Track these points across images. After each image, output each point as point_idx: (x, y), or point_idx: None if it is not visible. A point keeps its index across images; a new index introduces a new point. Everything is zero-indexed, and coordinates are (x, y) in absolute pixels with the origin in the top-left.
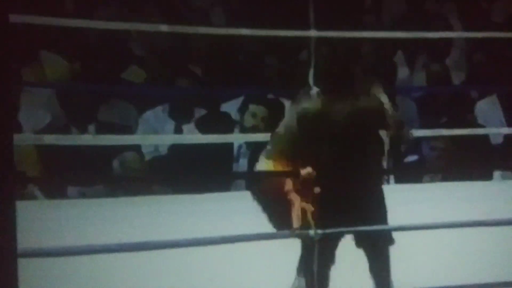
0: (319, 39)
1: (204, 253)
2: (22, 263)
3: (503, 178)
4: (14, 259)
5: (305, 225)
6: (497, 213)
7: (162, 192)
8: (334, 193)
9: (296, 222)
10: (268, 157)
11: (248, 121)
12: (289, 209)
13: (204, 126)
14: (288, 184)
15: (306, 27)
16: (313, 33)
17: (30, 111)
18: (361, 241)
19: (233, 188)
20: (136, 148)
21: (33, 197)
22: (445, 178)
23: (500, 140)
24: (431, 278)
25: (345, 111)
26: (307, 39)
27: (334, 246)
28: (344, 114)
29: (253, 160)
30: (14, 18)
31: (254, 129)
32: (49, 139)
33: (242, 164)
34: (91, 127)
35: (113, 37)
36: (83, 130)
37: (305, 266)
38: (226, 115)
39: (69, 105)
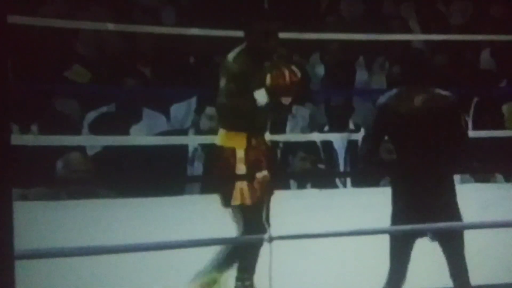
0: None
1: (153, 259)
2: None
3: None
4: (11, 261)
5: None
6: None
7: (109, 196)
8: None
9: (237, 199)
10: (220, 127)
11: (205, 123)
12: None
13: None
14: (239, 154)
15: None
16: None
17: None
18: (437, 236)
19: (187, 192)
20: (81, 149)
21: None
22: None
23: None
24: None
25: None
26: None
27: (411, 244)
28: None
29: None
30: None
31: (211, 132)
32: None
33: (197, 167)
34: (34, 127)
35: (57, 35)
36: (26, 130)
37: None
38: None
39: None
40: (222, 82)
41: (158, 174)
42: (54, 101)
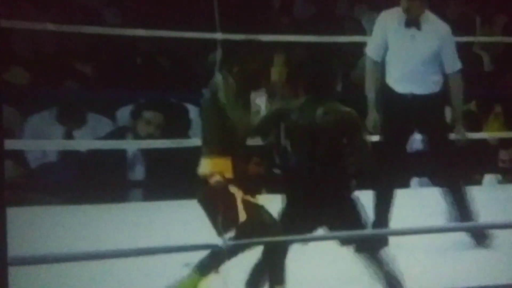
0: (225, 42)
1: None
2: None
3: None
4: (4, 267)
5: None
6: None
7: (53, 202)
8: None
9: (241, 216)
10: (205, 156)
11: (142, 129)
12: (233, 205)
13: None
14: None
15: (212, 28)
16: (219, 35)
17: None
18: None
19: (129, 199)
20: (19, 154)
21: None
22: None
23: None
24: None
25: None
26: (212, 41)
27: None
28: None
29: (149, 169)
30: None
31: (149, 137)
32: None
33: (138, 173)
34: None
35: None
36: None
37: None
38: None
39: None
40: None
41: (99, 179)
42: None
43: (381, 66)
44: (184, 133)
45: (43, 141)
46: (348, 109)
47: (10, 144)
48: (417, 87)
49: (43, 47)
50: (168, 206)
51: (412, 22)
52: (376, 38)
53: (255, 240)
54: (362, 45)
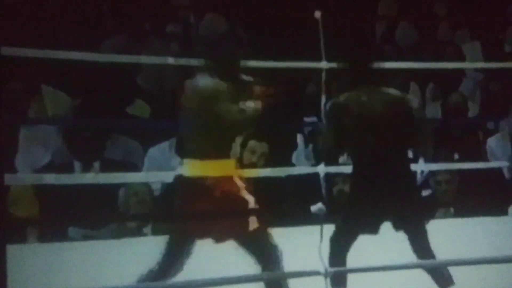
0: (329, 71)
1: None
2: None
3: None
4: None
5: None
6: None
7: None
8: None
9: (252, 225)
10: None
11: (247, 158)
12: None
13: None
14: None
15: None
16: (324, 64)
17: (29, 149)
18: (400, 222)
19: None
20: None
21: (29, 241)
22: (458, 214)
23: None
24: None
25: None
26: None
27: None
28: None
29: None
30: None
31: (252, 166)
32: (50, 178)
33: None
34: (96, 164)
35: (118, 70)
36: (88, 168)
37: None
38: None
39: (72, 142)
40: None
41: None
42: (116, 138)
43: None
44: (288, 161)
45: (43, 175)
46: (403, 92)
47: (10, 179)
48: None
49: (163, 81)
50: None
51: None
52: None
53: (356, 267)
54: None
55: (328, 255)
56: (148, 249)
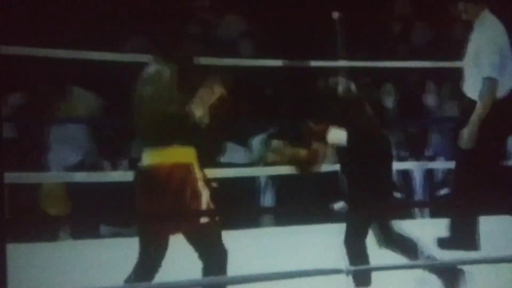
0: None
1: None
2: None
3: None
4: None
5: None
6: None
7: None
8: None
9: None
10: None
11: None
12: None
13: None
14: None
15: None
16: (343, 63)
17: (60, 148)
18: None
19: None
20: None
21: (61, 238)
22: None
23: None
24: None
25: None
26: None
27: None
28: None
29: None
30: (5, 49)
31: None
32: (81, 176)
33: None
34: (125, 163)
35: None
36: (116, 166)
37: None
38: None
39: (101, 141)
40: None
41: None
42: None
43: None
44: None
45: (45, 174)
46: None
47: (10, 177)
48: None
49: None
50: (294, 231)
51: None
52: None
53: (378, 266)
54: None
55: (347, 254)
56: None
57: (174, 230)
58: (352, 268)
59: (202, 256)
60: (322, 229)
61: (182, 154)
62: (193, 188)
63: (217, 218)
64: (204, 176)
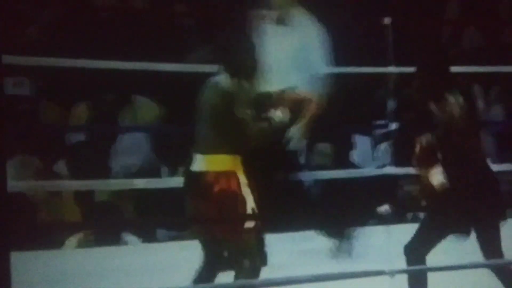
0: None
1: None
2: None
3: None
4: None
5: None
6: None
7: None
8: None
9: (248, 222)
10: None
11: (314, 159)
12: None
13: None
14: (242, 179)
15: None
16: (392, 69)
17: (121, 155)
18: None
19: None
20: None
21: (127, 243)
22: None
23: None
24: None
25: None
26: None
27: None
28: None
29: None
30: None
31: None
32: (141, 182)
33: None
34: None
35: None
36: (175, 173)
37: None
38: None
39: (161, 148)
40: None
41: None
42: None
43: None
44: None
45: (50, 182)
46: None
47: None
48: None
49: None
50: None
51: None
52: None
53: (420, 267)
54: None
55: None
56: None
57: (217, 234)
58: (396, 270)
59: (238, 261)
60: (367, 231)
61: (227, 162)
62: (234, 194)
63: (259, 224)
64: (250, 183)
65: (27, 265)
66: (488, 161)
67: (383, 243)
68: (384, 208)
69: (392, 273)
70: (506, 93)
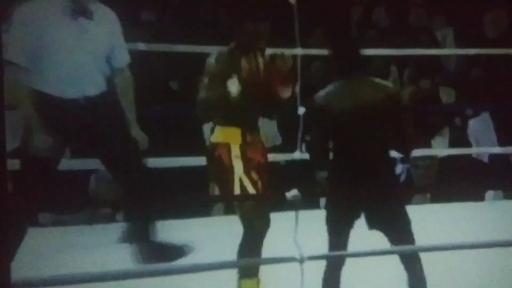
0: (304, 57)
1: None
2: None
3: (495, 198)
4: None
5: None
6: (489, 235)
7: None
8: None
9: (236, 190)
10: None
11: None
12: (230, 177)
13: None
14: (234, 150)
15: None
16: (299, 50)
17: None
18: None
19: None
20: None
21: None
22: (434, 199)
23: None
24: None
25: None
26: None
27: (348, 227)
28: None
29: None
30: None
31: None
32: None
33: None
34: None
35: None
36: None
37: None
38: None
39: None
40: (209, 79)
41: None
42: None
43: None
44: None
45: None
46: (386, 83)
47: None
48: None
49: None
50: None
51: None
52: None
53: (333, 253)
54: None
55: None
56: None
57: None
58: (307, 256)
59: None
60: (275, 218)
61: (226, 134)
62: (227, 165)
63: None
64: (245, 155)
65: None
66: (389, 147)
67: (292, 230)
68: (293, 193)
69: (302, 260)
70: (417, 75)
